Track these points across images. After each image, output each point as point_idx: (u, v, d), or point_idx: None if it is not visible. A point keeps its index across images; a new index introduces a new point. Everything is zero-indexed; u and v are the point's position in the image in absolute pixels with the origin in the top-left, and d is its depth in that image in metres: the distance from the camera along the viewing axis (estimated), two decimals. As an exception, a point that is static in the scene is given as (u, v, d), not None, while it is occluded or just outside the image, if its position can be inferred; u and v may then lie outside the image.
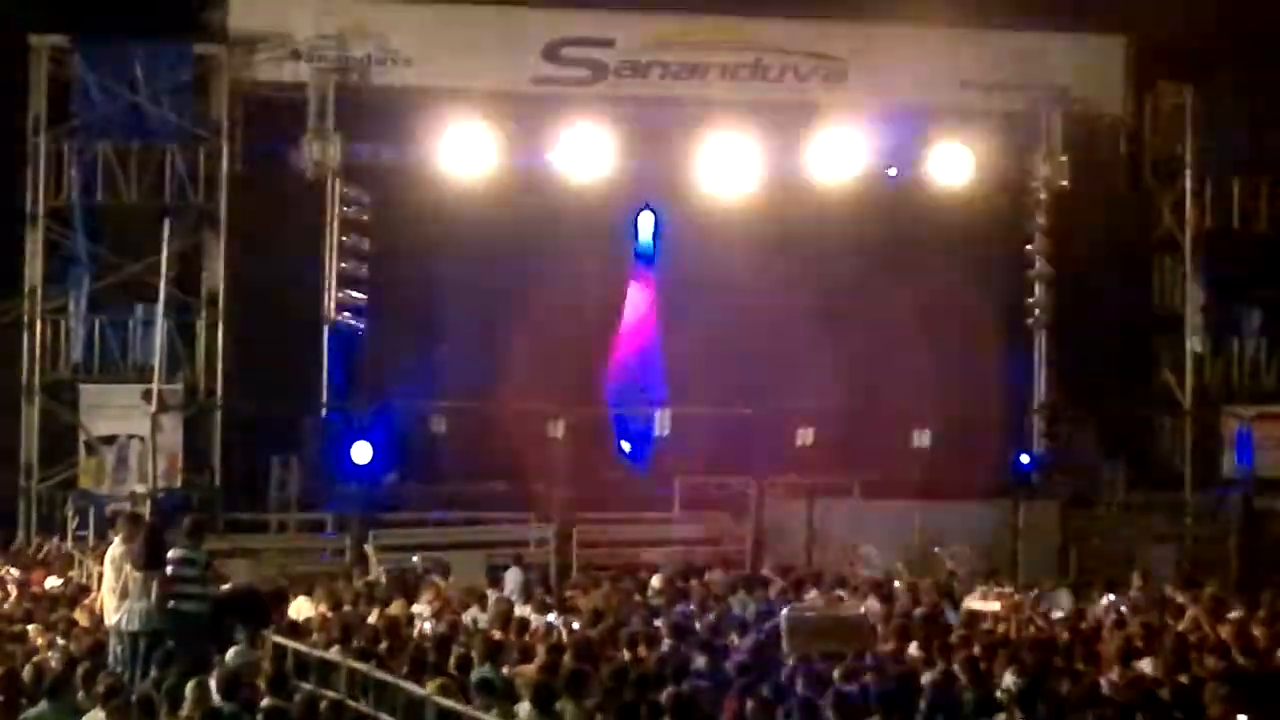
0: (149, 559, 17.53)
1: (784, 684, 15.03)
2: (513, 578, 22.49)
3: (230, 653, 16.88)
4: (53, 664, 15.82)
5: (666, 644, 16.98)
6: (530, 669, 15.76)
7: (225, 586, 18.88)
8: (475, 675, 15.41)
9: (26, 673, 15.41)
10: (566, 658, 15.92)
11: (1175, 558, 25.70)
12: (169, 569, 17.94)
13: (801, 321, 30.70)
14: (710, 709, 14.02)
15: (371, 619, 18.63)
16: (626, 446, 30.36)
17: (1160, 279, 31.26)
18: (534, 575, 23.12)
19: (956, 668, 15.38)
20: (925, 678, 15.20)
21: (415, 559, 23.25)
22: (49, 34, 27.59)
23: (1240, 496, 28.39)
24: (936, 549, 24.59)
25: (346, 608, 19.70)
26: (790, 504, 26.85)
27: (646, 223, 31.04)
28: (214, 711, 13.94)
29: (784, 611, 17.79)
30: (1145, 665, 16.09)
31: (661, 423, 29.85)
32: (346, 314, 28.51)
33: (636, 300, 32.12)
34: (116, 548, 17.91)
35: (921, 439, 29.37)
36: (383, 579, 22.30)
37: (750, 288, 31.19)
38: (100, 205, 27.60)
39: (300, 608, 20.02)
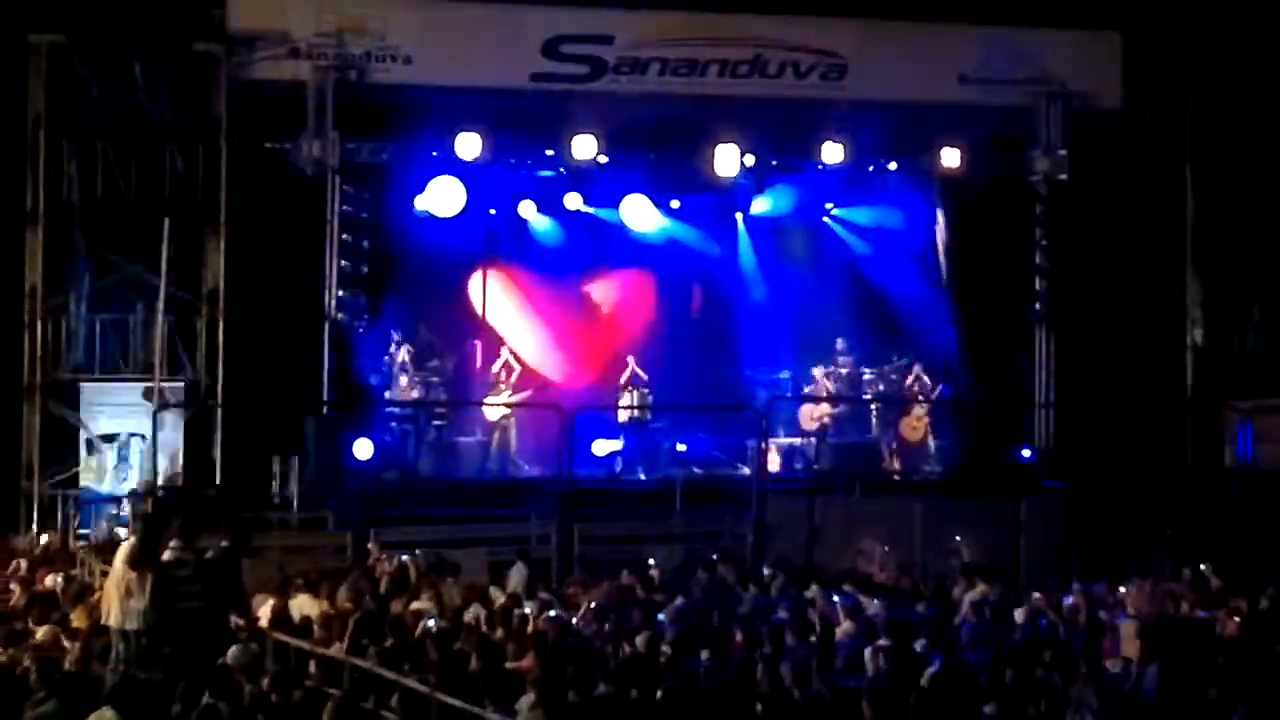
0: (140, 555, 17.64)
1: (783, 677, 15.09)
2: (517, 574, 22.52)
3: (231, 651, 16.95)
4: (59, 662, 15.86)
5: (668, 638, 17.01)
6: (530, 665, 15.81)
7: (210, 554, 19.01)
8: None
9: (33, 671, 15.45)
10: (568, 654, 15.96)
11: (1174, 551, 25.69)
12: (165, 569, 18.05)
13: (801, 313, 30.94)
14: (712, 704, 14.07)
15: (374, 616, 18.65)
16: (613, 446, 30.33)
17: (1160, 272, 31.28)
18: (536, 571, 23.13)
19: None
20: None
21: (417, 553, 23.30)
22: (48, 32, 27.56)
23: (1241, 490, 28.42)
24: (957, 538, 24.68)
25: (348, 605, 19.72)
26: (791, 498, 26.86)
27: (636, 208, 31.02)
28: (212, 709, 13.96)
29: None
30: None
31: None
32: (347, 311, 28.51)
33: (634, 294, 32.24)
34: (125, 547, 18.05)
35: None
36: (385, 576, 22.32)
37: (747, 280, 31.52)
38: (100, 204, 27.57)
39: (302, 605, 20.04)
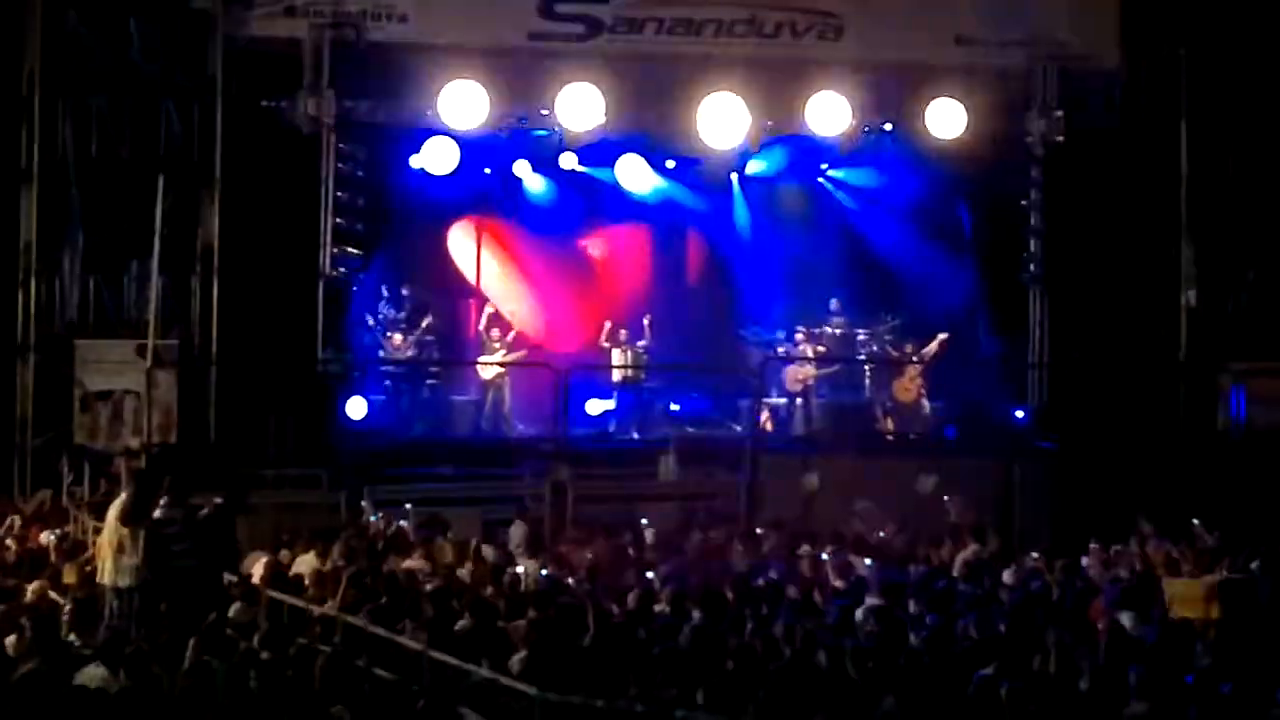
0: (132, 513, 17.70)
1: (776, 637, 15.14)
2: (516, 532, 22.60)
3: (233, 608, 17.03)
4: (50, 619, 15.91)
5: (661, 598, 17.07)
6: (523, 623, 15.86)
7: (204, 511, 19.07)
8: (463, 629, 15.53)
9: (24, 627, 15.49)
10: (561, 613, 16.01)
11: (1166, 512, 25.73)
12: (158, 526, 18.13)
13: (796, 274, 30.95)
14: (705, 663, 14.11)
15: (367, 574, 18.71)
16: (607, 405, 30.37)
17: (1154, 233, 31.26)
18: (530, 531, 23.19)
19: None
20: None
21: (407, 507, 23.35)
22: (43, -10, 27.51)
23: (1232, 451, 28.47)
24: (945, 498, 24.77)
25: (341, 562, 19.77)
26: (784, 458, 26.91)
27: (632, 168, 30.98)
28: (204, 666, 14.02)
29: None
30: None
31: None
32: (342, 269, 28.49)
33: (629, 254, 32.24)
34: (118, 504, 18.10)
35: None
36: (378, 533, 22.39)
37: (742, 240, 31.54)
38: (94, 161, 27.50)
39: (295, 563, 20.10)
